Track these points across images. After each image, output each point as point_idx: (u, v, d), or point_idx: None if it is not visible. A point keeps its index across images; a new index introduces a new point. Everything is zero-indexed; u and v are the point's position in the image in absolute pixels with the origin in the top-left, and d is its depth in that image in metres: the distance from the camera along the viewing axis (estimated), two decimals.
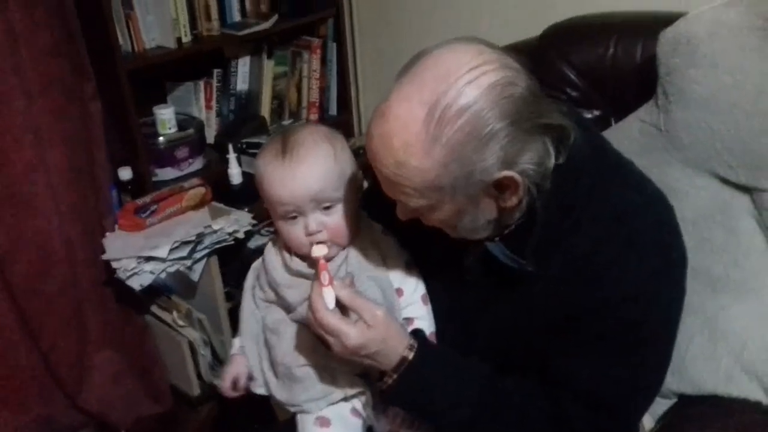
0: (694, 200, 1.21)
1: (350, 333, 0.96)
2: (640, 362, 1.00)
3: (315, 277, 1.01)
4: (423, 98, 0.85)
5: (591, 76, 1.42)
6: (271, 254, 1.15)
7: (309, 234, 1.06)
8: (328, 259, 1.07)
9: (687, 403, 1.19)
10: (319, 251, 1.03)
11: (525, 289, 1.00)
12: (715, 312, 1.19)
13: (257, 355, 1.17)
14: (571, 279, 0.96)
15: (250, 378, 1.18)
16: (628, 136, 1.28)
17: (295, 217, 1.07)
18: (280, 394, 1.13)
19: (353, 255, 1.10)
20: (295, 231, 1.07)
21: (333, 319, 0.97)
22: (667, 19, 1.24)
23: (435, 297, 1.12)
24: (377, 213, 1.12)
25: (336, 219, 1.07)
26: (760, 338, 1.15)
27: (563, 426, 1.01)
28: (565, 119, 0.93)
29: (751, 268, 1.18)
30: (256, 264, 1.21)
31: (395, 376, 1.00)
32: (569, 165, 0.95)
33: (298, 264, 1.10)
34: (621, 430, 1.04)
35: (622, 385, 0.99)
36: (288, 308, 1.12)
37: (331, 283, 0.99)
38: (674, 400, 1.21)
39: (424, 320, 1.10)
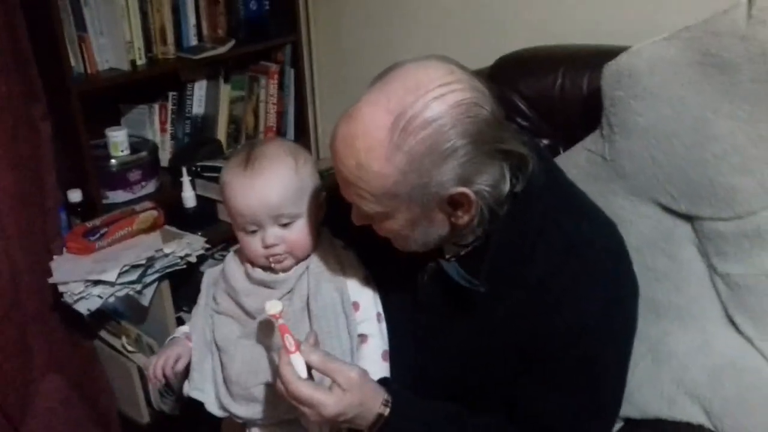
0: (638, 228, 1.24)
1: (327, 402, 0.94)
2: (600, 393, 1.02)
3: (279, 344, 0.98)
4: (390, 106, 0.87)
5: (540, 105, 1.46)
6: (232, 263, 1.15)
7: (266, 247, 1.06)
8: (285, 270, 1.08)
9: (633, 427, 1.21)
10: (273, 308, 0.99)
11: (478, 314, 1.02)
12: (658, 337, 1.22)
13: (210, 363, 1.15)
14: (527, 308, 0.98)
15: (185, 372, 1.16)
16: (576, 164, 1.31)
17: (254, 231, 1.07)
18: (237, 409, 1.12)
19: (314, 265, 1.10)
20: (253, 243, 1.08)
21: (307, 390, 0.94)
22: (611, 53, 1.28)
23: (389, 316, 1.13)
24: (339, 230, 1.13)
25: (294, 233, 1.07)
26: (701, 363, 1.18)
27: None
28: (525, 149, 0.96)
29: (692, 294, 1.21)
30: (212, 270, 1.20)
31: None
32: (526, 193, 0.97)
33: (260, 274, 1.11)
34: None
35: (582, 416, 1.02)
36: (245, 318, 1.11)
37: (297, 348, 0.96)
38: (620, 424, 1.23)
39: (377, 338, 1.11)
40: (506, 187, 0.95)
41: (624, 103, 1.22)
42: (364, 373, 0.99)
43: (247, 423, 1.13)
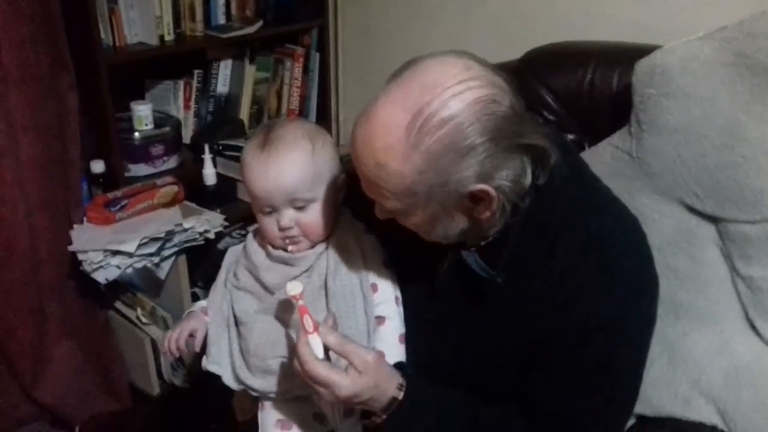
0: (661, 227, 1.23)
1: (342, 384, 0.95)
2: (614, 390, 1.02)
3: (298, 324, 0.98)
4: (408, 105, 0.87)
5: (568, 100, 1.45)
6: (253, 242, 1.16)
7: (281, 229, 1.07)
8: (300, 251, 1.07)
9: (645, 424, 1.21)
10: (294, 288, 0.99)
11: (494, 305, 1.02)
12: (676, 337, 1.21)
13: (227, 338, 1.16)
14: (545, 302, 0.98)
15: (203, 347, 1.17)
16: (601, 160, 1.31)
17: (271, 212, 1.08)
18: (253, 382, 1.12)
19: (333, 247, 1.11)
20: (269, 224, 1.09)
21: (324, 371, 0.94)
22: (643, 50, 1.27)
23: (406, 302, 1.13)
24: (361, 212, 1.13)
25: (310, 217, 1.08)
26: (718, 364, 1.17)
27: None
28: (546, 141, 0.95)
29: (713, 296, 1.20)
30: (235, 248, 1.21)
31: (384, 416, 1.00)
32: (549, 186, 0.97)
33: (279, 251, 1.11)
34: None
35: (597, 413, 1.01)
36: (264, 294, 1.12)
37: (316, 329, 0.96)
38: (633, 421, 1.23)
39: (395, 320, 1.11)
40: (528, 180, 0.95)
41: (654, 100, 1.22)
42: (381, 356, 1.00)
43: (261, 396, 1.14)
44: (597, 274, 0.97)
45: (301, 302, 0.98)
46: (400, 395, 0.99)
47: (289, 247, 1.10)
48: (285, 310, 1.10)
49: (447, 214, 0.95)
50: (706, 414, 1.16)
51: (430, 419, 1.02)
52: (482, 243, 1.02)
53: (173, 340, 1.16)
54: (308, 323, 0.96)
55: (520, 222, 0.98)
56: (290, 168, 1.05)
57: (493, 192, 0.91)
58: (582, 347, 0.97)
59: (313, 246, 1.11)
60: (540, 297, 0.98)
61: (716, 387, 1.16)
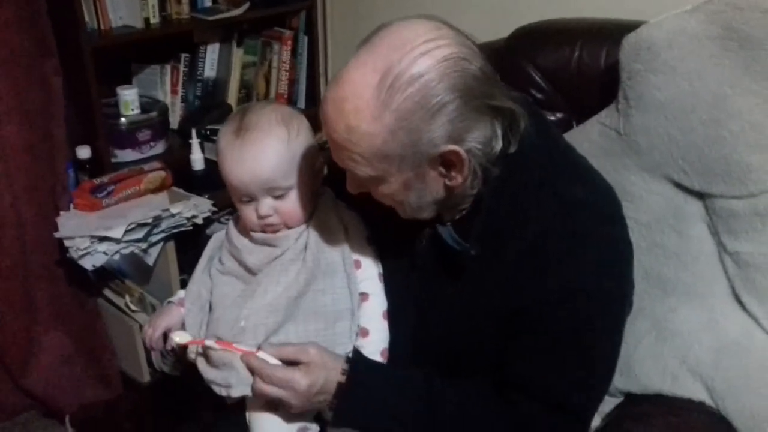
0: (649, 204, 1.23)
1: (296, 377, 0.99)
2: (592, 357, 1.01)
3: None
4: (377, 66, 0.87)
5: (555, 78, 1.44)
6: (234, 228, 1.15)
7: (260, 218, 1.06)
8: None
9: (633, 401, 1.21)
10: (180, 338, 1.06)
11: (471, 277, 1.01)
12: (663, 314, 1.21)
13: (199, 323, 1.14)
14: (519, 270, 0.97)
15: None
16: (588, 138, 1.30)
17: (249, 201, 1.06)
18: (206, 371, 1.09)
19: (315, 226, 1.10)
20: (248, 212, 1.07)
21: (279, 372, 1.00)
22: (631, 27, 1.26)
23: (387, 280, 1.12)
24: (342, 192, 1.12)
25: (288, 205, 1.06)
26: (706, 341, 1.17)
27: (521, 429, 1.02)
28: (516, 106, 0.94)
29: (700, 272, 1.20)
30: (219, 234, 1.20)
31: (335, 402, 1.02)
32: (519, 154, 0.96)
33: (261, 234, 1.10)
34: (577, 427, 1.05)
35: (575, 381, 1.00)
36: (248, 276, 1.10)
37: (257, 350, 1.02)
38: (621, 398, 1.23)
39: (377, 296, 1.10)
40: (498, 144, 0.94)
41: (642, 76, 1.21)
42: (319, 346, 1.03)
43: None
44: (570, 240, 0.97)
45: (217, 346, 1.03)
46: (344, 379, 1.01)
47: (270, 235, 1.09)
48: None
49: (420, 180, 0.94)
50: (693, 390, 1.16)
51: (377, 401, 1.03)
52: (456, 217, 1.02)
53: (148, 337, 1.17)
54: (244, 348, 1.02)
55: (492, 192, 0.97)
56: (265, 157, 1.03)
57: (464, 154, 0.90)
58: (556, 312, 0.97)
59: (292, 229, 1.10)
60: (514, 265, 0.98)
61: (704, 363, 1.15)
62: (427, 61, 0.86)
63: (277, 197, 1.06)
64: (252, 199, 1.06)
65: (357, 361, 1.04)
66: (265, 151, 1.03)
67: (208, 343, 1.04)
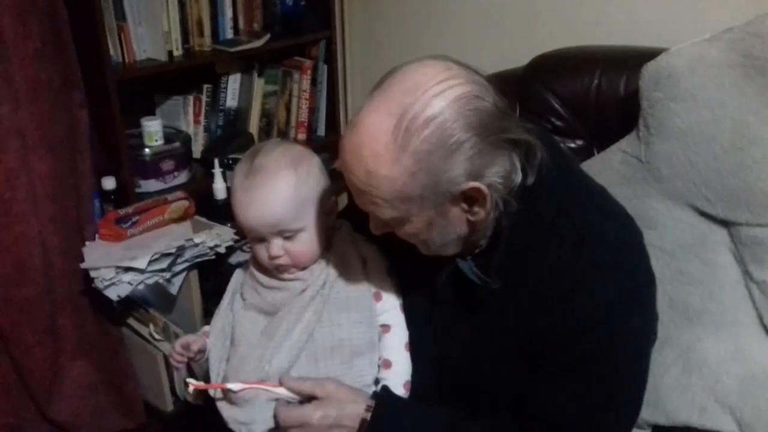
0: (673, 232, 1.22)
1: (306, 411, 1.02)
2: (614, 389, 1.00)
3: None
4: (391, 110, 0.87)
5: (575, 106, 1.44)
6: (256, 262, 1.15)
7: (270, 258, 1.06)
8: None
9: None
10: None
11: (493, 310, 1.01)
12: (690, 344, 1.20)
13: (220, 359, 1.14)
14: (538, 302, 0.97)
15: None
16: (610, 166, 1.30)
17: (261, 240, 1.07)
18: (224, 408, 1.09)
19: (333, 260, 1.10)
20: (260, 251, 1.07)
21: (293, 411, 1.03)
22: (650, 54, 1.27)
23: (408, 313, 1.12)
24: (360, 225, 1.12)
25: (299, 246, 1.06)
26: (733, 371, 1.15)
27: None
28: (532, 137, 0.94)
29: (727, 301, 1.19)
30: (241, 270, 1.21)
31: None
32: (537, 186, 0.96)
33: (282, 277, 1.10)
34: None
35: (598, 413, 0.99)
36: (268, 309, 1.11)
37: (279, 385, 1.04)
38: (648, 430, 1.21)
39: (400, 328, 1.10)
40: (518, 177, 0.94)
41: (662, 104, 1.21)
42: (339, 382, 1.04)
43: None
44: (589, 270, 0.96)
45: (235, 388, 1.04)
46: (368, 416, 1.01)
47: (281, 276, 1.09)
48: None
49: (442, 217, 0.94)
50: (722, 422, 1.14)
51: None
52: (476, 251, 1.02)
53: (178, 354, 1.18)
54: (266, 386, 1.04)
55: (511, 225, 0.97)
56: (272, 201, 1.03)
57: (485, 189, 0.90)
58: (575, 344, 0.96)
59: (304, 269, 1.10)
60: (534, 296, 0.97)
61: (732, 394, 1.14)
62: (440, 102, 0.86)
63: (287, 238, 1.06)
64: (262, 239, 1.07)
65: (384, 397, 1.04)
66: (272, 195, 1.03)
67: (231, 386, 1.05)
